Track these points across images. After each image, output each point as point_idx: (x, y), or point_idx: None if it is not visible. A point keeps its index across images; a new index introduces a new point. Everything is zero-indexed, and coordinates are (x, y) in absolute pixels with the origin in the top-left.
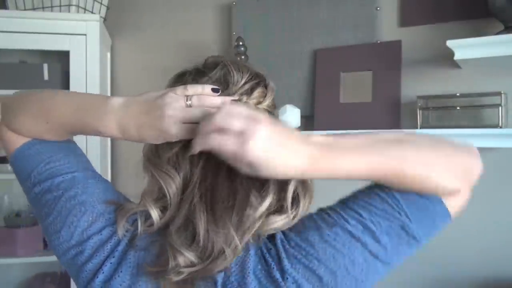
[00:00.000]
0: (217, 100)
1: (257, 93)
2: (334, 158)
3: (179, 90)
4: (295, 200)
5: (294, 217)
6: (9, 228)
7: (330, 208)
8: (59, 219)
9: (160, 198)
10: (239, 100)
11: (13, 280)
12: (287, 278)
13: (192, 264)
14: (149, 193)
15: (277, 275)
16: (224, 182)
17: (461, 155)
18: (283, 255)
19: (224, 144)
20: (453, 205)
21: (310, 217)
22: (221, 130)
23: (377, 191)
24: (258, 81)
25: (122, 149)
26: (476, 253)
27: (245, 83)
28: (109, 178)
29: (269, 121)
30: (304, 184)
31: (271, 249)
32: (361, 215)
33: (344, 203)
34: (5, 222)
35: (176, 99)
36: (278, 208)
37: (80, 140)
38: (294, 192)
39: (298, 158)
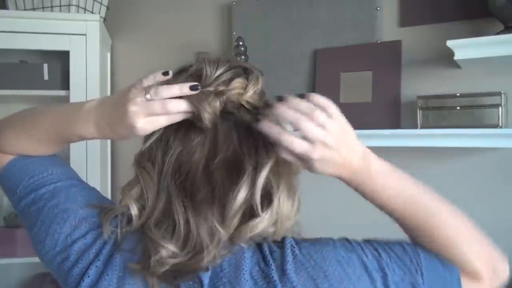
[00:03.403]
0: (174, 89)
1: (236, 83)
2: (384, 172)
3: (138, 84)
4: (267, 195)
5: (270, 215)
6: (9, 228)
7: (353, 239)
8: (43, 228)
9: (142, 195)
10: (215, 90)
11: (13, 280)
12: (285, 282)
13: (174, 255)
14: (129, 188)
15: (275, 277)
16: (201, 175)
17: (493, 247)
18: (288, 258)
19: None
20: None
21: (329, 238)
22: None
23: (403, 243)
24: (238, 72)
25: (122, 149)
26: None
27: (221, 74)
28: (109, 178)
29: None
30: (278, 176)
31: (275, 251)
32: (380, 255)
33: (367, 240)
34: (5, 222)
35: (137, 94)
36: (252, 210)
37: (80, 142)
38: (266, 186)
39: (354, 160)
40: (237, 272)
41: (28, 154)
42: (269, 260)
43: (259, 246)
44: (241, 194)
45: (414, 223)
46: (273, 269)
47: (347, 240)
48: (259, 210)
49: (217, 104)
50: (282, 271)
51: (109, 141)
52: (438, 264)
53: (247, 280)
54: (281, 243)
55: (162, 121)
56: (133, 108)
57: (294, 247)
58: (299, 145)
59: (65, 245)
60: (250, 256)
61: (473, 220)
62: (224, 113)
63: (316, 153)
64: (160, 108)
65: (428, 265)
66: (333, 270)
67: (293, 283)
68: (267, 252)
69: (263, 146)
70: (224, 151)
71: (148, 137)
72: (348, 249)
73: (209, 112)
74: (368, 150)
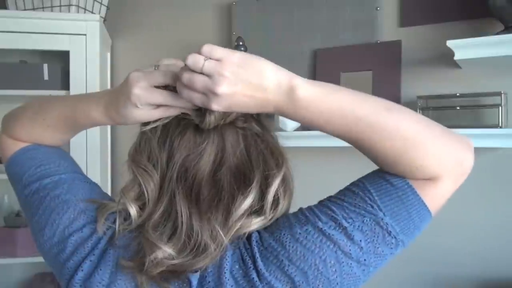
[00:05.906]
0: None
1: None
2: (314, 100)
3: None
4: (275, 201)
5: (271, 218)
6: (9, 228)
7: (307, 207)
8: (43, 217)
9: (140, 196)
10: None
11: (13, 280)
12: (261, 280)
13: (170, 257)
14: (128, 190)
15: (254, 275)
16: (207, 181)
17: (454, 140)
18: (257, 255)
19: (193, 98)
20: (430, 195)
21: (285, 216)
22: (189, 87)
23: (350, 187)
24: None
25: (122, 148)
26: (475, 253)
27: None
28: (109, 178)
29: (232, 71)
30: (285, 185)
31: (248, 249)
32: (333, 212)
33: (320, 202)
34: (5, 222)
35: (147, 67)
36: (257, 209)
37: (80, 140)
38: (275, 194)
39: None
40: (220, 271)
41: (41, 141)
42: (246, 259)
43: (236, 244)
44: (248, 201)
45: (365, 143)
46: (250, 268)
47: (302, 211)
48: (267, 212)
49: (231, 115)
50: (257, 270)
51: (109, 140)
52: (388, 186)
53: (228, 279)
54: (249, 240)
55: (156, 99)
56: (136, 73)
57: (258, 242)
58: (198, 80)
59: (62, 237)
60: (230, 254)
61: (472, 220)
62: (231, 122)
63: (217, 86)
64: (160, 75)
65: (380, 195)
66: (294, 251)
67: (267, 279)
68: (243, 250)
69: (271, 155)
70: (231, 159)
71: (145, 126)
72: (303, 222)
73: (215, 117)
74: (295, 76)
